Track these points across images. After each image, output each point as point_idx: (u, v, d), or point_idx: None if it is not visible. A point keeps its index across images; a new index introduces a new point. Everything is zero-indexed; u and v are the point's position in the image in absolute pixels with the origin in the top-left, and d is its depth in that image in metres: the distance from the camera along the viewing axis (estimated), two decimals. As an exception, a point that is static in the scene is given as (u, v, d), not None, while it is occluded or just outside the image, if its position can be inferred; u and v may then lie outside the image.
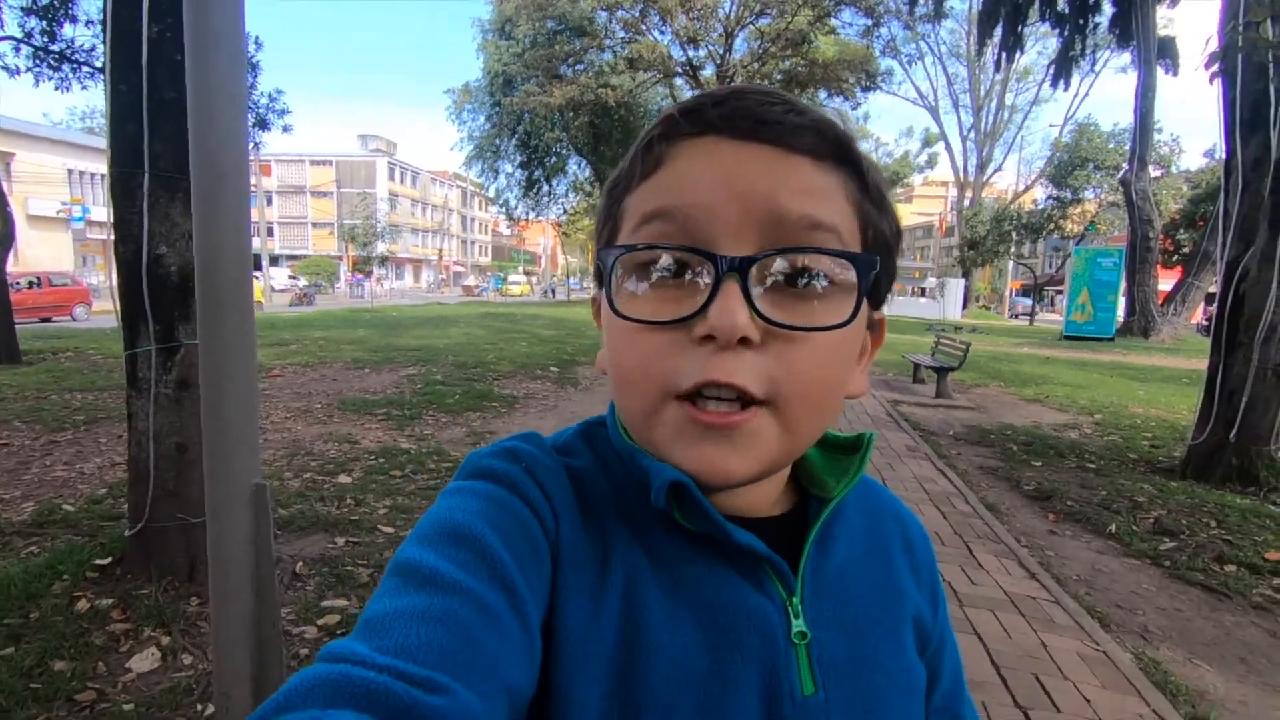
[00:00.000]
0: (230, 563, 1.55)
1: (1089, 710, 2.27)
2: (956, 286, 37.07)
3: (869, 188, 0.43)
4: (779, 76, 27.41)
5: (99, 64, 7.56)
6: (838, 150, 0.41)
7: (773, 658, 0.42)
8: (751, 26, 26.57)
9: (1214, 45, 5.18)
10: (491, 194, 35.89)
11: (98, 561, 2.89)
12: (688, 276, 0.40)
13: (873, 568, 0.50)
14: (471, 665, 0.33)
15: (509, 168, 33.27)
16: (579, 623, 0.41)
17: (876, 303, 0.46)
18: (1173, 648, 2.82)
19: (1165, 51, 13.96)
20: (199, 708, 2.10)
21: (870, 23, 25.50)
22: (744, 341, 0.38)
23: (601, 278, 0.47)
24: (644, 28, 26.58)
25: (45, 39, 7.65)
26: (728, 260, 0.38)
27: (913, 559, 0.53)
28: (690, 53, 27.27)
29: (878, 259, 0.41)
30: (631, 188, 0.43)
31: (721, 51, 27.09)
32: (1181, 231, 27.44)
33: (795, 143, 0.40)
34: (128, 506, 2.90)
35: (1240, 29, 4.73)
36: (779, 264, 0.39)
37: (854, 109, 30.11)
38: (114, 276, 2.71)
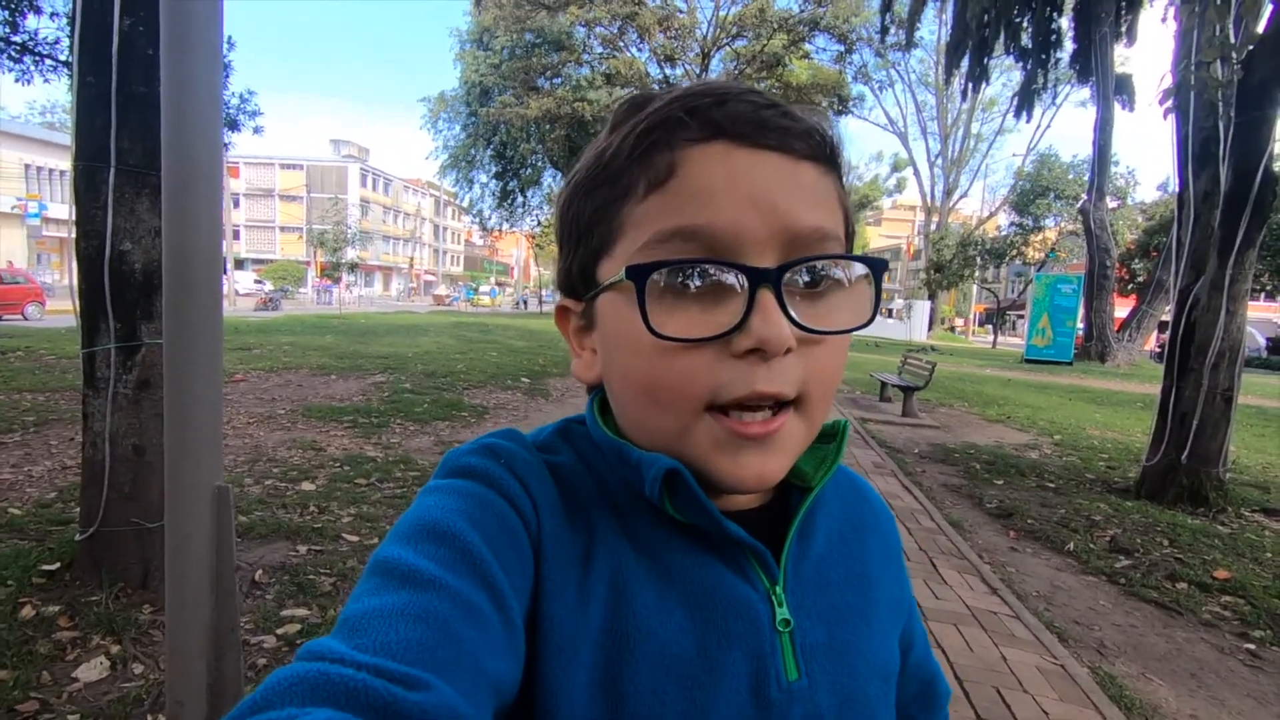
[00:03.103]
0: (189, 565, 1.50)
1: (1047, 723, 2.31)
2: (923, 308, 37.95)
3: (844, 182, 0.45)
4: (754, 97, 27.86)
5: (63, 57, 7.36)
6: (828, 153, 0.43)
7: (759, 645, 0.43)
8: (728, 48, 27.05)
9: (1168, 83, 5.42)
10: (465, 204, 35.75)
11: (45, 567, 2.78)
12: (717, 290, 0.39)
13: (849, 555, 0.51)
14: (453, 661, 0.32)
15: (484, 178, 33.29)
16: (564, 614, 0.40)
17: None
18: (1128, 663, 2.89)
19: (1122, 88, 14.51)
20: (150, 718, 2.02)
21: (843, 49, 26.17)
22: (784, 350, 0.39)
23: (568, 287, 0.47)
24: (622, 44, 26.88)
25: (7, 29, 7.43)
26: (761, 272, 0.39)
27: (884, 542, 0.55)
28: (667, 71, 27.61)
29: (887, 261, 0.43)
30: (635, 195, 0.41)
31: (698, 71, 27.46)
32: (1136, 261, 28.46)
33: (799, 148, 0.41)
34: (79, 510, 2.79)
35: (1192, 68, 4.95)
36: (802, 272, 0.40)
37: (826, 132, 30.74)
38: (74, 273, 2.63)
